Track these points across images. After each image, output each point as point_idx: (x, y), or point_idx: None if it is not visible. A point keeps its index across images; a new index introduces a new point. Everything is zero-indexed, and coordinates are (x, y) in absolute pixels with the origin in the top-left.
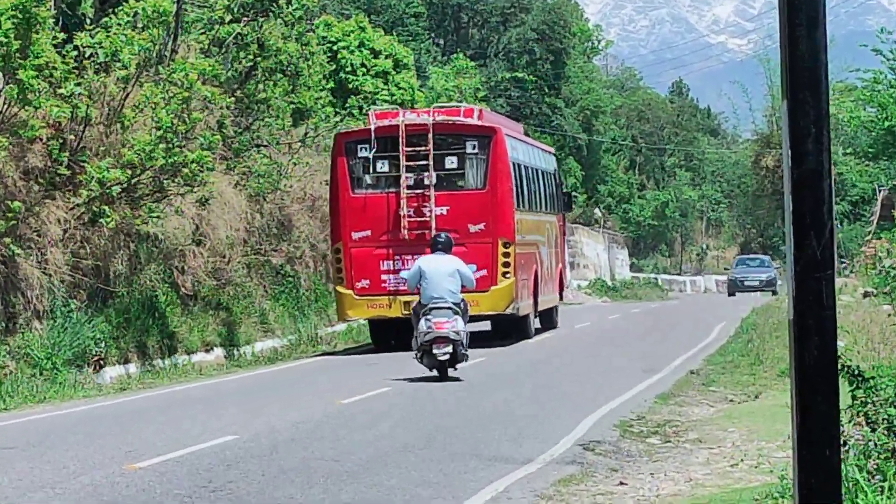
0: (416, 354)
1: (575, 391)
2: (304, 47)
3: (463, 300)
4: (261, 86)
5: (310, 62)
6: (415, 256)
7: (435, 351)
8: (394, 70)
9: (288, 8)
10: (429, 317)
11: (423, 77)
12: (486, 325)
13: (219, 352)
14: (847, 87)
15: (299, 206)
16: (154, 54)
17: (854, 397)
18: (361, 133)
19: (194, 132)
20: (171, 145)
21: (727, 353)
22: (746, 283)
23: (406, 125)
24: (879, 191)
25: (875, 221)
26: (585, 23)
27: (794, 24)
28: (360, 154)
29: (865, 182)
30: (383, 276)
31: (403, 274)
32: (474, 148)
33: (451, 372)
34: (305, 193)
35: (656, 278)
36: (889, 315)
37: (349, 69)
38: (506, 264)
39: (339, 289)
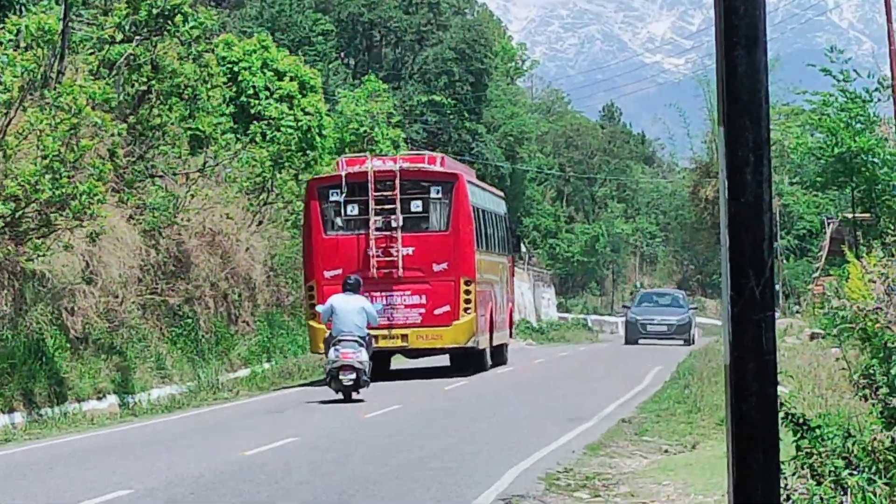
0: (326, 379)
1: (497, 441)
2: (202, 69)
3: (368, 334)
4: (155, 111)
5: (208, 85)
6: (383, 293)
7: (341, 377)
8: (300, 93)
9: (184, 26)
10: (337, 347)
11: (331, 101)
12: (444, 360)
13: (112, 399)
14: (793, 111)
15: (198, 241)
16: (39, 76)
17: (798, 448)
18: (333, 178)
19: (83, 161)
20: (58, 175)
21: (662, 400)
22: (651, 328)
23: (375, 171)
24: (828, 223)
25: (823, 257)
26: (508, 41)
27: (731, 43)
28: (331, 198)
29: (813, 214)
30: None
31: (319, 308)
32: (438, 193)
33: (354, 395)
34: (205, 227)
35: (585, 319)
36: (836, 359)
37: (251, 92)
38: (467, 300)
39: (312, 323)
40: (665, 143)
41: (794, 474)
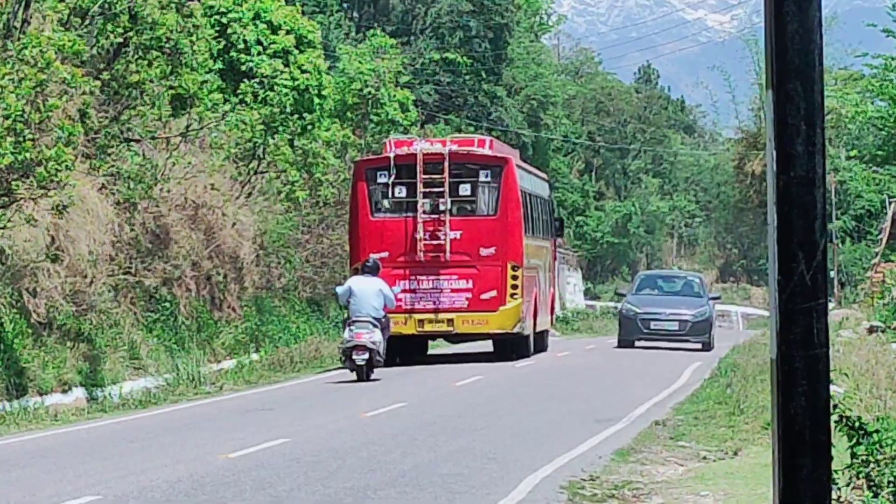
0: (341, 357)
1: (514, 444)
2: (186, 19)
3: (385, 316)
4: (133, 66)
5: (193, 38)
6: (429, 277)
7: (354, 356)
8: (296, 49)
9: None
10: (352, 328)
11: (332, 57)
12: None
13: (79, 393)
14: (851, 76)
15: (179, 215)
16: (1, 26)
17: (854, 455)
18: (381, 160)
19: (50, 123)
20: (21, 139)
21: (700, 401)
22: (655, 326)
23: (423, 153)
24: (890, 203)
25: (884, 240)
26: None
27: None
28: (379, 180)
29: (873, 192)
30: (399, 295)
31: (337, 289)
32: (487, 177)
33: (370, 375)
34: (186, 200)
35: (616, 307)
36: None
37: (241, 47)
38: (514, 286)
39: None
40: (707, 110)
41: (848, 484)
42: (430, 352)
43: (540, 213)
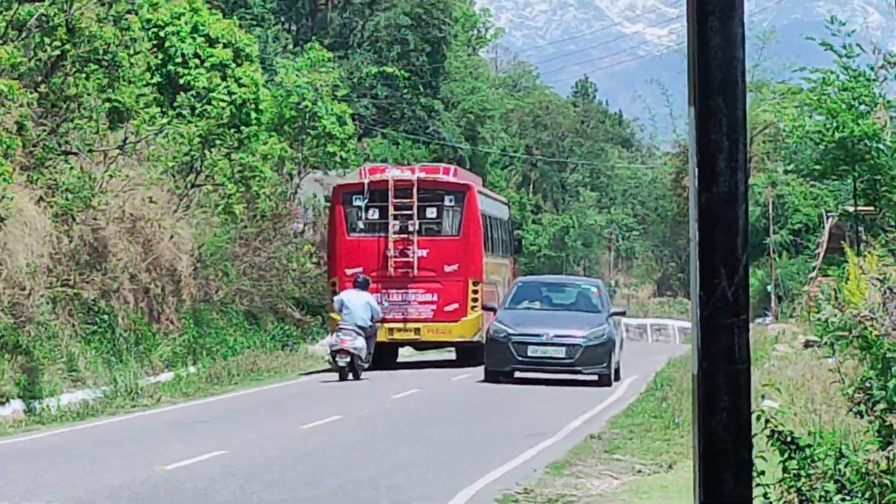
0: (329, 359)
1: (448, 458)
2: (123, 32)
3: (372, 326)
4: (70, 79)
5: (130, 51)
6: (399, 290)
7: (337, 359)
8: (234, 62)
9: None
10: (339, 334)
11: (269, 71)
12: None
13: (16, 405)
14: (790, 90)
15: (117, 227)
16: None
17: (786, 469)
18: (356, 185)
19: None
20: None
21: (636, 414)
22: (534, 353)
23: (395, 180)
24: (827, 218)
25: (821, 255)
26: (471, 6)
27: (703, 12)
28: (354, 203)
29: (810, 206)
30: None
31: (334, 300)
32: (451, 201)
33: (350, 377)
34: (124, 212)
35: None
36: (830, 370)
37: (179, 60)
38: (475, 299)
39: (334, 315)
40: (645, 124)
41: (780, 499)
42: (398, 359)
43: (500, 234)
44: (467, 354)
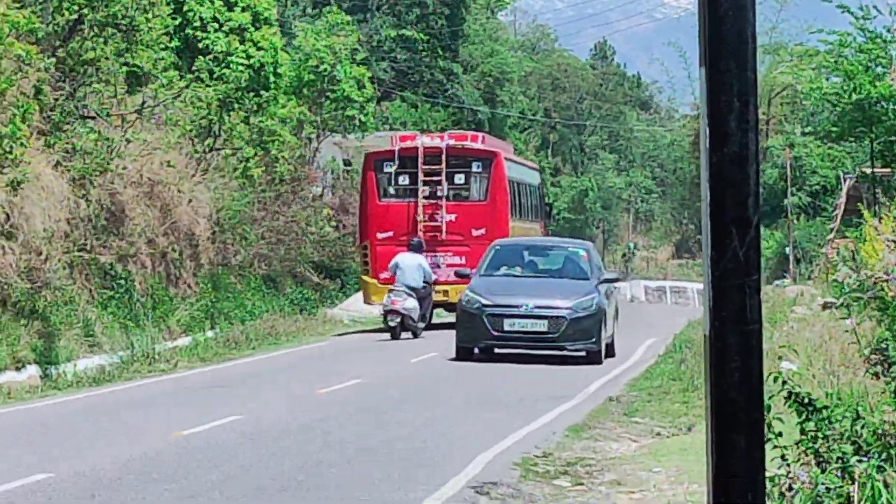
0: (383, 317)
1: (468, 421)
2: None
3: (425, 287)
4: (88, 43)
5: (149, 15)
6: (428, 253)
7: (388, 319)
8: (252, 26)
9: None
10: (390, 295)
11: (288, 34)
12: None
13: (32, 370)
14: (807, 52)
15: (134, 191)
16: None
17: (803, 431)
18: (387, 153)
19: (5, 99)
20: None
21: (655, 377)
22: (511, 327)
23: (424, 147)
24: (844, 179)
25: (839, 216)
26: None
27: None
28: (385, 170)
29: (828, 168)
30: None
31: (389, 263)
32: (478, 168)
33: (403, 335)
34: (142, 177)
35: None
36: (846, 331)
37: (197, 24)
38: None
39: (365, 278)
40: (663, 86)
41: (797, 461)
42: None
43: (529, 199)
44: None
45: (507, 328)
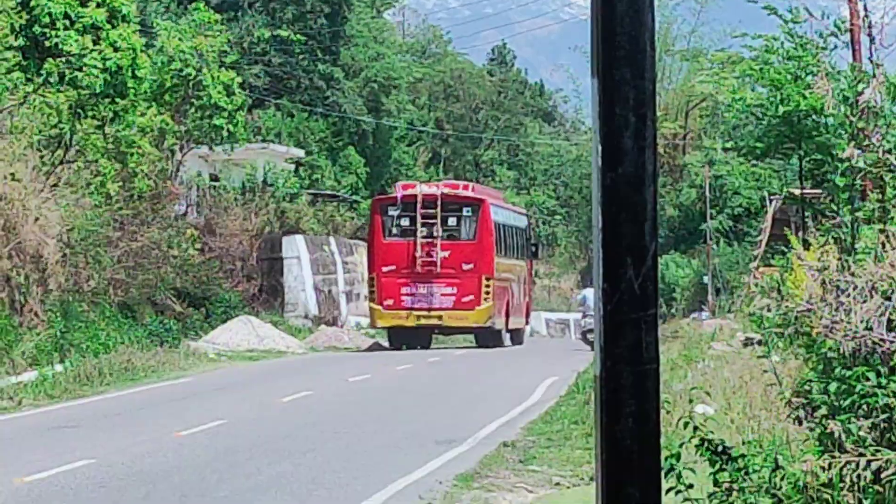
0: (582, 335)
1: (346, 467)
2: None
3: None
4: None
5: None
6: (425, 284)
7: (588, 337)
8: (108, 24)
9: None
10: (589, 321)
11: (149, 34)
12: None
13: None
14: (729, 59)
15: None
16: None
17: (716, 482)
18: (391, 199)
19: None
20: None
21: (555, 420)
22: None
23: (423, 194)
24: (770, 201)
25: (764, 242)
26: None
27: None
28: (389, 213)
29: (752, 188)
30: (403, 297)
31: (577, 297)
32: (468, 212)
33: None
34: None
35: None
36: (764, 371)
37: (46, 21)
38: (486, 292)
39: (372, 305)
40: (569, 95)
41: None
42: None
43: (514, 239)
44: (485, 339)
45: None
